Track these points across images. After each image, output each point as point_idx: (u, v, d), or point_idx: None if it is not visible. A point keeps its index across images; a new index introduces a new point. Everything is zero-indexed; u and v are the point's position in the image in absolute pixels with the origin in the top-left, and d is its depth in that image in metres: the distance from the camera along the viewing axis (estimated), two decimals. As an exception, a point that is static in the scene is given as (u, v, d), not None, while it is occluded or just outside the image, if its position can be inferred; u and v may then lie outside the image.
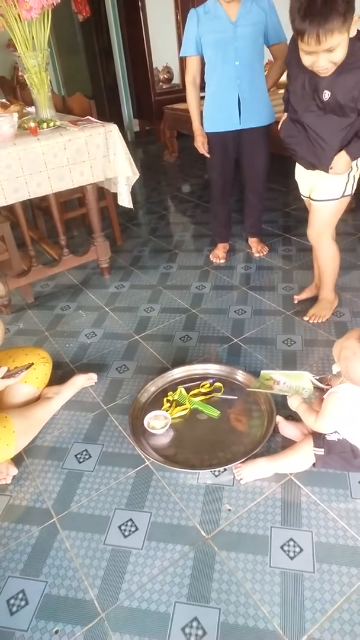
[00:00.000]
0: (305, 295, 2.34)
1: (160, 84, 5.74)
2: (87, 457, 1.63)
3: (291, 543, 1.28)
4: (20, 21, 2.02)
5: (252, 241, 2.89)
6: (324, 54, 1.44)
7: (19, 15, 2.00)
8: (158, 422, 1.66)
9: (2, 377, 1.55)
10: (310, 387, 1.62)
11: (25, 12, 1.96)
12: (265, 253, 2.85)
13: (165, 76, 5.80)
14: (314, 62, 1.49)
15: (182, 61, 5.34)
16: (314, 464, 1.43)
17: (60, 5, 2.08)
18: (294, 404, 1.53)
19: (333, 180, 1.83)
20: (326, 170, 1.79)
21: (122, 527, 1.37)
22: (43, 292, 2.71)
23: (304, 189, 2.03)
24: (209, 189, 2.83)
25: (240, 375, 1.85)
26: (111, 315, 2.42)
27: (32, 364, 1.70)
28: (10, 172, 2.08)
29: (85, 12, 5.42)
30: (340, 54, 1.45)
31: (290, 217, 3.33)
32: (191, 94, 2.47)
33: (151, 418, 1.68)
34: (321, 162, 1.78)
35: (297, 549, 1.26)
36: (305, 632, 1.09)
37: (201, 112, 2.49)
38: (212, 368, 1.91)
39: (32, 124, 2.14)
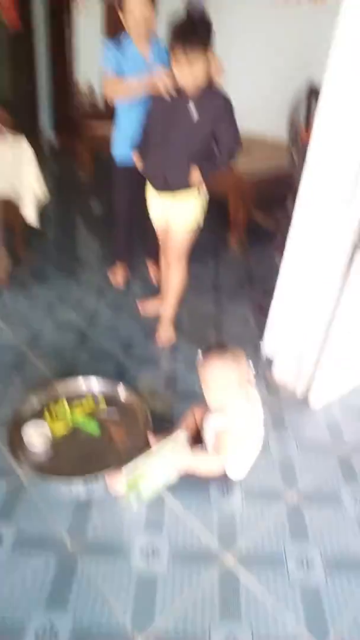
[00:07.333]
0: (152, 309, 2.59)
1: (82, 102, 5.75)
2: None
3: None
4: None
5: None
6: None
7: None
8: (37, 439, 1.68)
9: None
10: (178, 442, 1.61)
11: None
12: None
13: (87, 93, 5.83)
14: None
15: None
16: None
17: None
18: (178, 463, 1.53)
19: (187, 214, 2.10)
20: (180, 185, 2.02)
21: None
22: None
23: (158, 218, 2.24)
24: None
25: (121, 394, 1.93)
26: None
27: None
28: None
29: (16, 24, 5.34)
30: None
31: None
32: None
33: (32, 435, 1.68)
34: (176, 177, 2.01)
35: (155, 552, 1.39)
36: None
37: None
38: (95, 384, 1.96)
39: None
